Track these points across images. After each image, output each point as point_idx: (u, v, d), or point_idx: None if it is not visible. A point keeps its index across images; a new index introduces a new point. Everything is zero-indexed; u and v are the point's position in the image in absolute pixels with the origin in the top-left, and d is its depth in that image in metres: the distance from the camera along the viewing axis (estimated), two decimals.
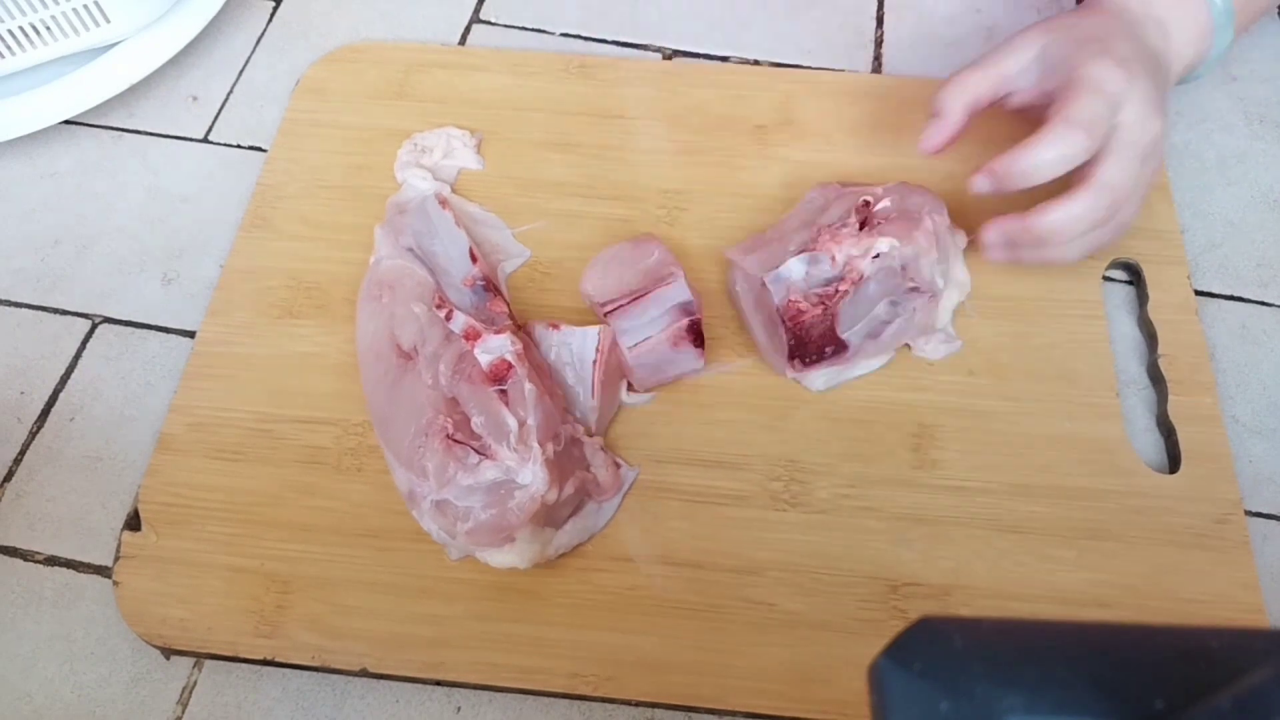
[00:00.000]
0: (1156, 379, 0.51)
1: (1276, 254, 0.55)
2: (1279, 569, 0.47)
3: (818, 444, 0.48)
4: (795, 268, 0.47)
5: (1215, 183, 0.58)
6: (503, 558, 0.43)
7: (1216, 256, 0.55)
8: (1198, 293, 0.54)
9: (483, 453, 0.42)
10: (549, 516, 0.43)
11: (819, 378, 0.49)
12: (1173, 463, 0.48)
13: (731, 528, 0.46)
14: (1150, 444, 0.49)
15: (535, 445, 0.42)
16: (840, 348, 0.48)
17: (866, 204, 0.49)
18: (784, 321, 0.47)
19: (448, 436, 0.43)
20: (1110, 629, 0.23)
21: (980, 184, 0.48)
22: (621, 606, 0.44)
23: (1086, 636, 0.23)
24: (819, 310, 0.47)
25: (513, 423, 0.42)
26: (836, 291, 0.47)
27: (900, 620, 0.44)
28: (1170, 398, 0.49)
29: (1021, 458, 0.48)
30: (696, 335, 0.48)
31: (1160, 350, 0.51)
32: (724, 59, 0.63)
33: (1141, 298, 0.53)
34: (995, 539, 0.46)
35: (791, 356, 0.48)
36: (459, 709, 0.44)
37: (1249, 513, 0.47)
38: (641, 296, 0.48)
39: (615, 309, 0.48)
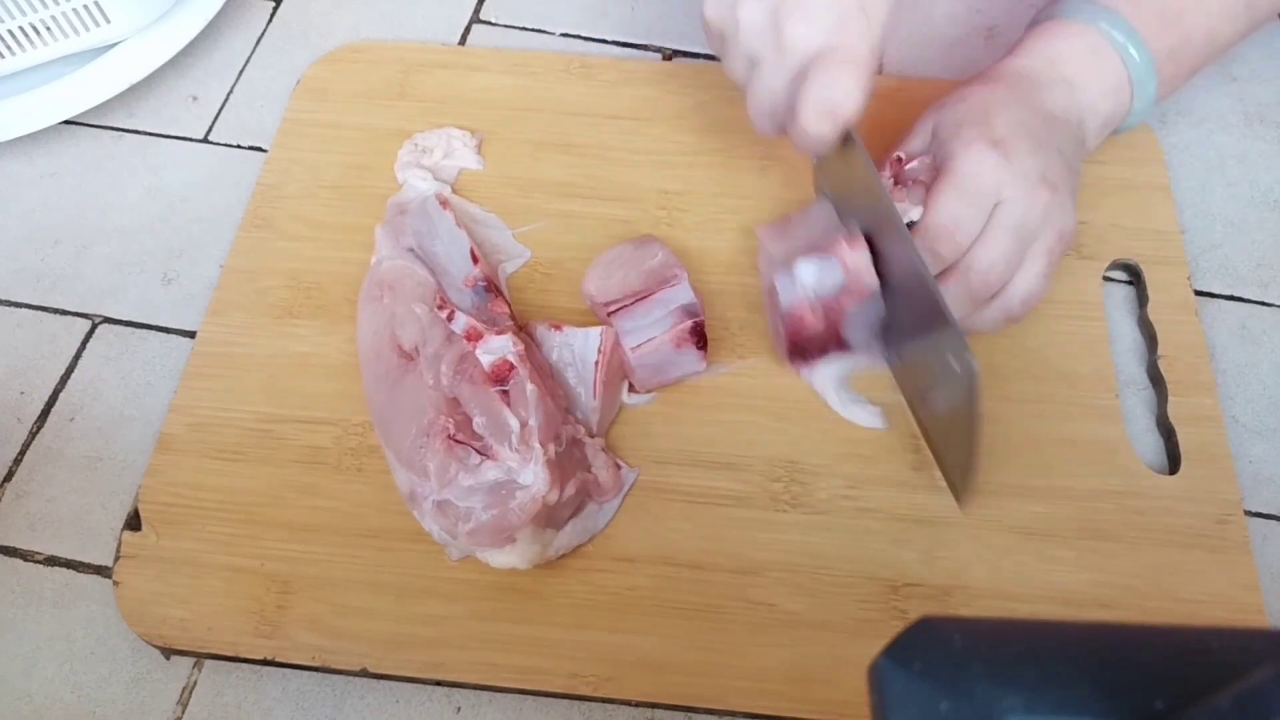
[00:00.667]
0: (1156, 380, 0.51)
1: (1276, 254, 0.55)
2: (1279, 569, 0.47)
3: (818, 444, 0.48)
4: (806, 272, 0.46)
5: (1215, 183, 0.58)
6: (503, 558, 0.43)
7: (1216, 257, 0.55)
8: (1198, 293, 0.54)
9: (484, 453, 0.42)
10: (550, 517, 0.43)
11: (828, 377, 0.49)
12: (1173, 463, 0.48)
13: (732, 528, 0.46)
14: (1150, 445, 0.49)
15: (537, 446, 0.42)
16: (842, 347, 0.48)
17: (899, 160, 0.48)
18: (786, 328, 0.47)
19: (449, 437, 0.43)
20: (1110, 629, 0.23)
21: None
22: (621, 607, 0.44)
23: (1086, 636, 0.23)
24: (821, 323, 0.47)
25: (514, 423, 0.42)
26: (840, 305, 0.47)
27: (900, 621, 0.44)
28: (1170, 398, 0.49)
29: (1021, 458, 0.48)
30: (700, 337, 0.48)
31: (1160, 351, 0.51)
32: None
33: (1141, 298, 0.53)
34: (995, 539, 0.46)
35: (791, 355, 0.48)
36: (459, 709, 0.44)
37: (1249, 513, 0.48)
38: (645, 298, 0.48)
39: (619, 309, 0.48)
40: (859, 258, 0.46)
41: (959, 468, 0.45)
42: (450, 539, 0.43)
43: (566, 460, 0.44)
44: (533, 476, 0.42)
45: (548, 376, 0.46)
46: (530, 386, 0.43)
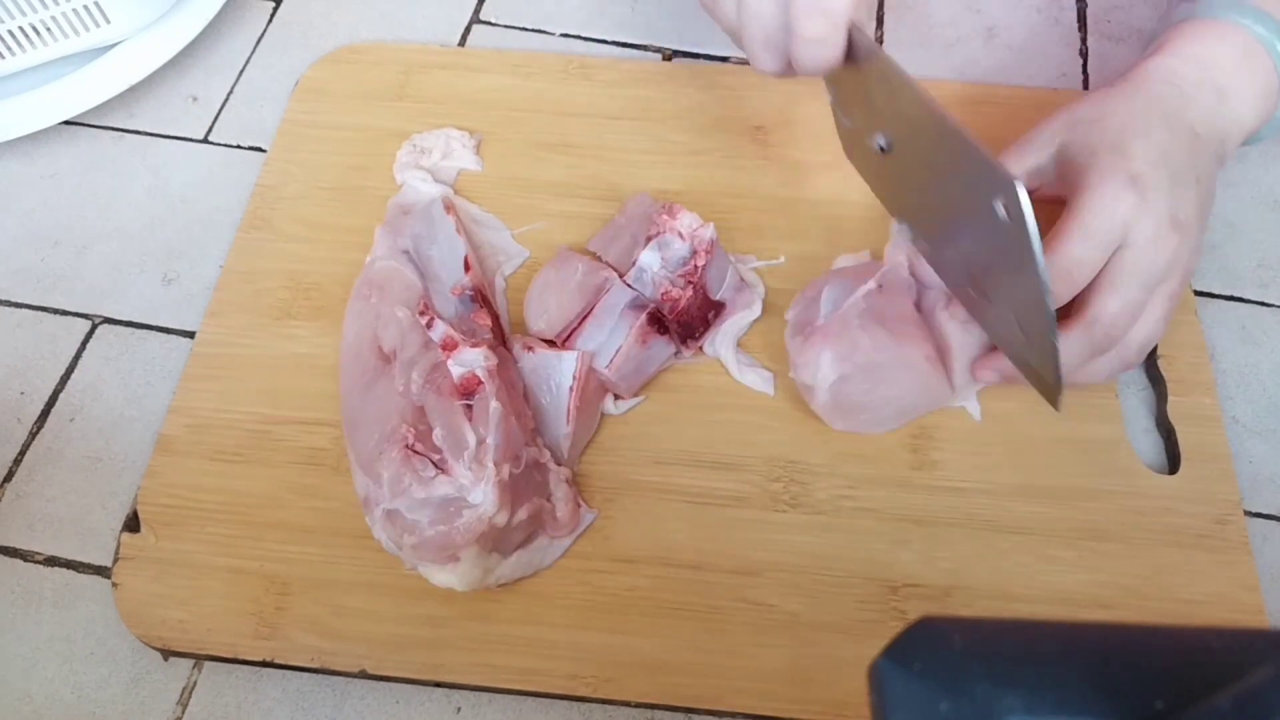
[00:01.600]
0: (1156, 379, 0.51)
1: (1277, 255, 0.55)
2: (1279, 569, 0.47)
3: (817, 444, 0.48)
4: (649, 258, 0.48)
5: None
6: (444, 576, 0.42)
7: (1217, 257, 0.55)
8: (1198, 293, 0.54)
9: (440, 467, 0.41)
10: (497, 541, 0.42)
11: (723, 344, 0.50)
12: (1172, 463, 0.48)
13: (731, 528, 0.46)
14: (1150, 444, 0.49)
15: (490, 466, 0.41)
16: (718, 309, 0.49)
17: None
18: (667, 316, 0.48)
19: (407, 446, 0.42)
20: (1110, 629, 0.23)
21: (987, 378, 0.47)
22: (621, 608, 0.44)
23: (1086, 636, 0.23)
24: (689, 292, 0.48)
25: (472, 439, 0.41)
26: (696, 268, 0.48)
27: (900, 621, 0.44)
28: (1170, 398, 0.49)
29: (1021, 458, 0.48)
30: (659, 324, 0.48)
31: (1160, 350, 0.51)
32: (724, 59, 0.63)
33: None
34: (995, 540, 0.46)
35: (684, 339, 0.49)
36: (459, 709, 0.44)
37: (1249, 513, 0.48)
38: (589, 315, 0.47)
39: (571, 335, 0.47)
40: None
41: (1040, 354, 0.41)
42: (396, 549, 0.43)
43: (523, 484, 0.43)
44: (482, 496, 0.41)
45: (517, 396, 0.45)
46: (494, 404, 0.42)
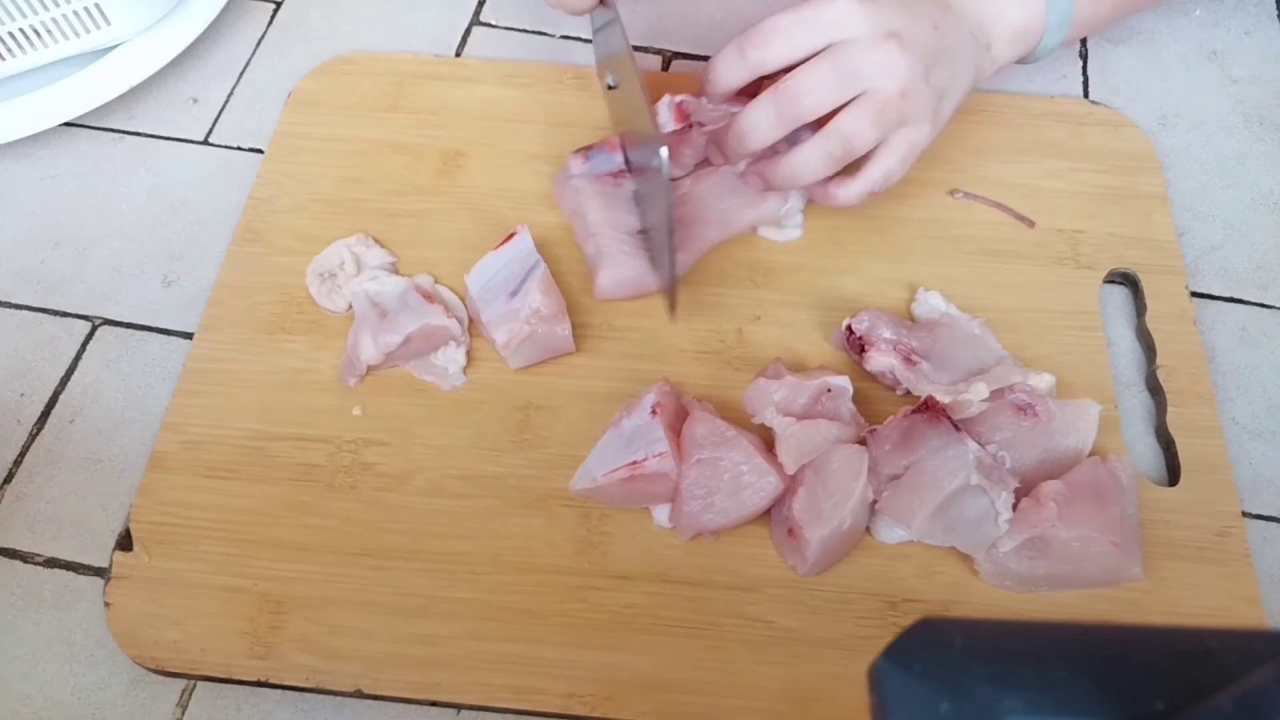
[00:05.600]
0: (1155, 390, 0.50)
1: (1276, 256, 0.55)
2: (1278, 572, 0.47)
3: None
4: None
5: (1215, 185, 0.58)
6: None
7: (1216, 259, 0.55)
8: (1198, 295, 0.54)
9: None
10: None
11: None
12: (1172, 475, 0.48)
13: (728, 544, 0.46)
14: (1149, 456, 0.49)
15: None
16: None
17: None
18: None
19: None
20: (1110, 629, 0.23)
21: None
22: (618, 625, 0.44)
23: (1086, 637, 0.23)
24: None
25: None
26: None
27: None
28: (1169, 409, 0.49)
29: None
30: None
31: (1159, 361, 0.50)
32: None
33: (1139, 308, 0.53)
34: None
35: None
36: None
37: (1249, 515, 0.47)
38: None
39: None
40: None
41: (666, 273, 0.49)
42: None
43: None
44: None
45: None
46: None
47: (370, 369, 0.50)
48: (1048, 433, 0.46)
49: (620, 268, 0.51)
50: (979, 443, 0.44)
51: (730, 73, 0.49)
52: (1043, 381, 0.47)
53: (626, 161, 0.54)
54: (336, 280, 0.52)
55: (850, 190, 0.49)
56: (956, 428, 0.44)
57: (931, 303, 0.50)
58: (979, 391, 0.46)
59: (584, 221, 0.53)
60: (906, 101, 0.47)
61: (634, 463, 0.44)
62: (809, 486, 0.44)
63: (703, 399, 0.48)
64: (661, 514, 0.46)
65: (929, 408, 0.44)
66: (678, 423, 0.46)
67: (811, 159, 0.48)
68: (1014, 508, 0.43)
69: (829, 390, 0.47)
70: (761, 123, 0.48)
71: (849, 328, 0.49)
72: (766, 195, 0.52)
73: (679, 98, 0.52)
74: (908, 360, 0.48)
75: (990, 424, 0.46)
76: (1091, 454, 0.47)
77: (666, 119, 0.52)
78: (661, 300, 0.52)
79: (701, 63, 0.62)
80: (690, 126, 0.52)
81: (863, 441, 0.45)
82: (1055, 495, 0.43)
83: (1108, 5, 0.53)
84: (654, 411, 0.45)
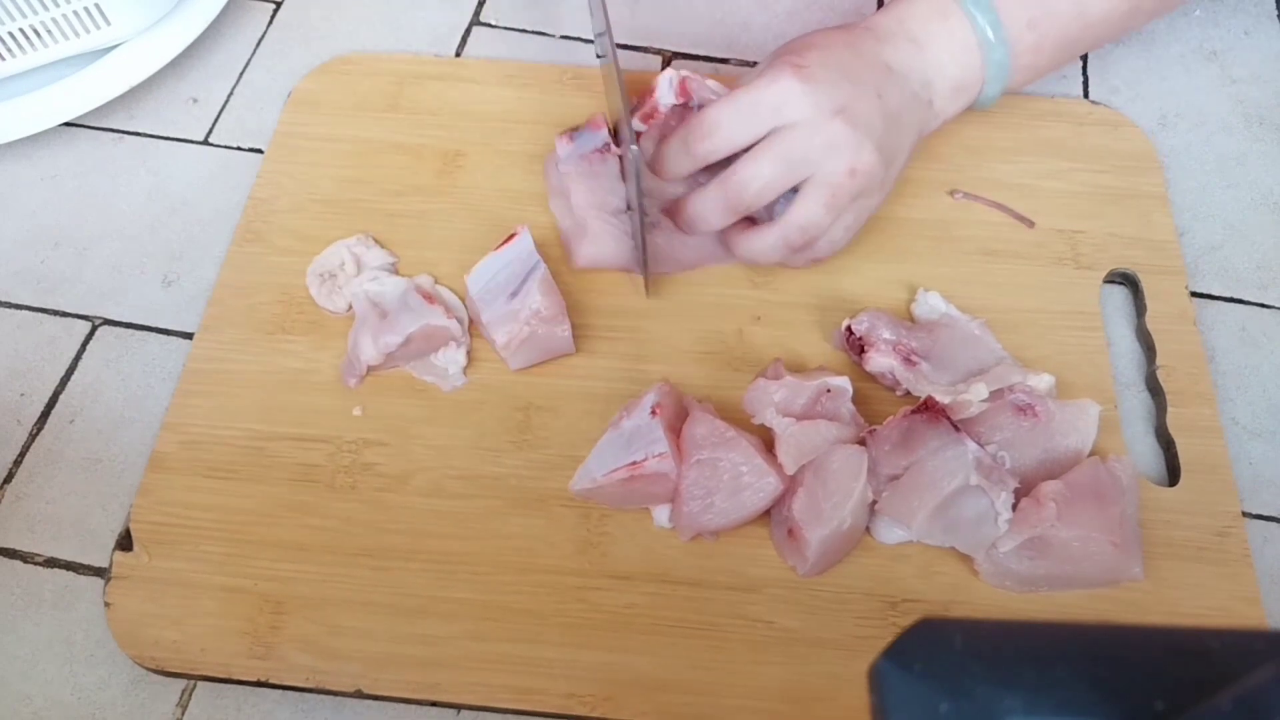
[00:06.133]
0: (1155, 390, 0.50)
1: (1276, 256, 0.55)
2: (1278, 571, 0.47)
3: None
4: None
5: (1215, 185, 0.58)
6: None
7: (1216, 259, 0.55)
8: (1198, 295, 0.54)
9: None
10: None
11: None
12: (1172, 475, 0.48)
13: (728, 544, 0.46)
14: (1149, 456, 0.49)
15: None
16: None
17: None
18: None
19: None
20: (1110, 629, 0.23)
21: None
22: (618, 625, 0.44)
23: (1086, 637, 0.23)
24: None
25: None
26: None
27: None
28: (1169, 409, 0.49)
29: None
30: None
31: (1159, 361, 0.50)
32: (724, 61, 0.63)
33: (1139, 308, 0.53)
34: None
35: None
36: None
37: (1248, 515, 0.47)
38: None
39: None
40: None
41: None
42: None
43: None
44: None
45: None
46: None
47: (370, 369, 0.50)
48: (1047, 433, 0.46)
49: (601, 240, 0.52)
50: (979, 443, 0.44)
51: (677, 166, 0.49)
52: (1042, 382, 0.47)
53: (613, 135, 0.54)
54: (336, 281, 0.52)
55: (763, 241, 0.49)
56: (956, 428, 0.44)
57: (931, 303, 0.50)
58: (979, 392, 0.46)
59: (566, 201, 0.53)
60: (855, 179, 0.47)
61: (634, 463, 0.44)
62: (809, 487, 0.44)
63: (703, 399, 0.48)
64: (661, 514, 0.46)
65: (929, 408, 0.44)
66: (678, 423, 0.46)
67: (771, 246, 0.49)
68: (1014, 508, 0.43)
69: (829, 391, 0.47)
70: (709, 212, 0.48)
71: (849, 328, 0.49)
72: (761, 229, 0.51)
73: (682, 73, 0.52)
74: (907, 361, 0.48)
75: (990, 424, 0.46)
76: (1091, 454, 0.47)
77: (667, 94, 0.52)
78: (663, 302, 0.52)
79: (701, 63, 0.63)
80: (688, 105, 0.52)
81: (862, 442, 0.45)
82: (1055, 495, 0.43)
83: (1047, 54, 0.52)
84: (654, 412, 0.45)
